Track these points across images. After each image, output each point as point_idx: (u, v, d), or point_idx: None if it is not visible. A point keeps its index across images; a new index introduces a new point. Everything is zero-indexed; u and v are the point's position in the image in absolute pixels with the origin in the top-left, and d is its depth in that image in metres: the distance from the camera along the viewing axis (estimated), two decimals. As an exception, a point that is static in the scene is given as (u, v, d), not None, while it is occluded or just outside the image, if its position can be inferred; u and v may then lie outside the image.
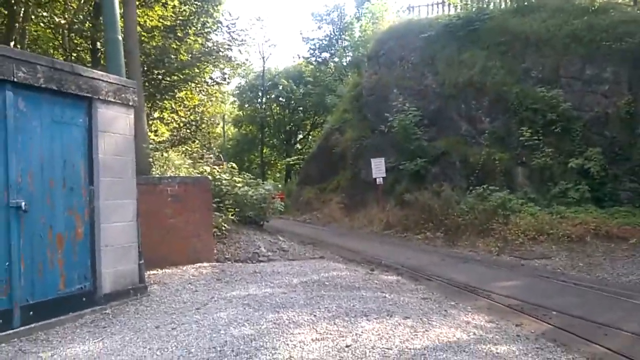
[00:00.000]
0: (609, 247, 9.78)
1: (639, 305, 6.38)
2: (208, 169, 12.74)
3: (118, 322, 5.22)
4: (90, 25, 13.99)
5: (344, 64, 35.67)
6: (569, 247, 10.09)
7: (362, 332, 4.75)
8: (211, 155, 32.27)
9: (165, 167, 12.40)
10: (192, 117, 18.12)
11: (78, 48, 16.14)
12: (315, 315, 5.32)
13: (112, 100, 6.06)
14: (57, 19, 14.41)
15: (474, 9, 17.78)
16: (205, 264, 8.57)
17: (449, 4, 19.68)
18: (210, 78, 18.25)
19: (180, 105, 17.63)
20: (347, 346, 4.34)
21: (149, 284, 6.67)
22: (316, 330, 4.79)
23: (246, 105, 41.79)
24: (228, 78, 19.40)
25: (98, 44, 14.50)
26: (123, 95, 6.25)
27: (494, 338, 4.85)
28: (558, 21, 14.52)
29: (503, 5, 18.00)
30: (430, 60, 17.95)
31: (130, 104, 6.40)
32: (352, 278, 7.68)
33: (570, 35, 13.82)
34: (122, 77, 6.90)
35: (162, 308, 5.75)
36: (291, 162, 35.20)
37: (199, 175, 11.30)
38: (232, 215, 11.24)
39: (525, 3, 17.04)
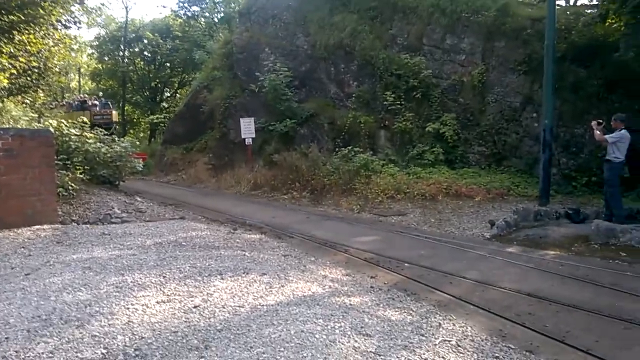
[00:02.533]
0: (457, 204, 10.59)
1: (480, 255, 6.93)
2: (55, 122, 11.36)
3: None
4: None
5: (215, 19, 34.05)
6: (422, 205, 10.76)
7: (214, 291, 4.47)
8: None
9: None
10: (34, 64, 15.80)
11: None
12: (164, 277, 4.90)
13: None
14: None
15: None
16: (45, 226, 7.65)
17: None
18: (58, 21, 16.01)
19: (20, 50, 15.25)
20: (195, 307, 4.03)
21: (-34, 249, 5.68)
22: (163, 292, 4.40)
23: (106, 58, 38.17)
24: (79, 23, 17.23)
25: None
26: None
27: (348, 290, 4.87)
28: (426, -10, 15.00)
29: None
30: (302, 20, 17.78)
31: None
32: (212, 238, 7.34)
33: (434, 5, 14.42)
34: None
35: (-21, 276, 4.90)
36: (155, 121, 33.10)
37: (39, 127, 9.96)
38: (81, 173, 10.26)
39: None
